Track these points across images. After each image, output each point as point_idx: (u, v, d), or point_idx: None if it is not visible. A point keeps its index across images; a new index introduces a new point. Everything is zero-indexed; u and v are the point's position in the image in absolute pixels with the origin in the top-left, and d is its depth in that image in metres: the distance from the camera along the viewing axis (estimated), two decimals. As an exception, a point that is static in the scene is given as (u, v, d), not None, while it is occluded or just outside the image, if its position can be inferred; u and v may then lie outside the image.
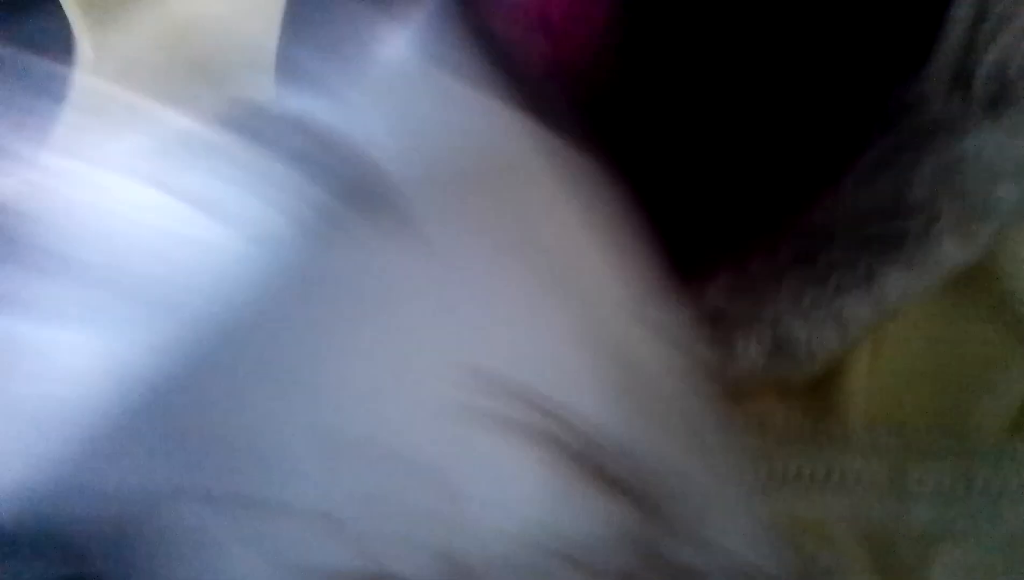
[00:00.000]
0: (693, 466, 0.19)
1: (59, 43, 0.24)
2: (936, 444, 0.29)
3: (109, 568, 0.16)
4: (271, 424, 0.16)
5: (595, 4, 0.26)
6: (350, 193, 0.17)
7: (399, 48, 0.19)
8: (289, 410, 0.17)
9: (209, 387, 0.17)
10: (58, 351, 0.17)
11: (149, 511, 0.16)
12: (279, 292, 0.17)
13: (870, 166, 0.29)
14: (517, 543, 0.16)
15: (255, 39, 0.21)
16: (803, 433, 0.31)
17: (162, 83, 0.22)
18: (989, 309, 0.29)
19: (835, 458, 0.31)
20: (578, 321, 0.18)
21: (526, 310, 0.18)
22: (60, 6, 0.25)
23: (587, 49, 0.26)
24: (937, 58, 0.28)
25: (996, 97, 0.28)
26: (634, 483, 0.17)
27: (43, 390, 0.17)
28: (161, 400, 0.17)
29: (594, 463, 0.17)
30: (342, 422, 0.16)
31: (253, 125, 0.18)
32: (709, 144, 0.28)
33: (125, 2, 0.24)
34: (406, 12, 0.19)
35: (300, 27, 0.22)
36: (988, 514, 0.27)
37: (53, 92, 0.22)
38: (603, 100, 0.25)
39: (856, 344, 0.31)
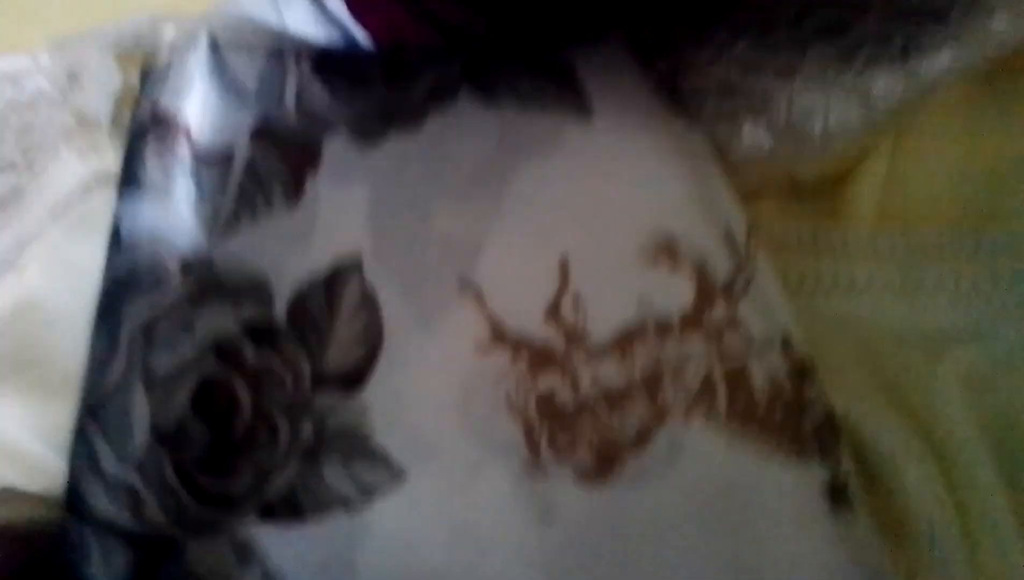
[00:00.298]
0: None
1: None
2: (956, 243, 0.26)
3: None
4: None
5: None
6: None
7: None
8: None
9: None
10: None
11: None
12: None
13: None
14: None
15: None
16: (803, 240, 0.28)
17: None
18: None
19: (841, 264, 0.27)
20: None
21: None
22: None
23: None
24: None
25: None
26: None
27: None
28: None
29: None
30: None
31: None
32: None
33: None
34: None
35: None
36: (1017, 313, 0.24)
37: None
38: None
39: (880, 131, 0.27)
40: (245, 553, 0.19)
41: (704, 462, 0.20)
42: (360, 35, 0.25)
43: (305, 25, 0.27)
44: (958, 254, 0.27)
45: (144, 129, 0.20)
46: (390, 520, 0.20)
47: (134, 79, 0.24)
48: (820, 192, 0.29)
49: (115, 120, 0.23)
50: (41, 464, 0.23)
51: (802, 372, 0.22)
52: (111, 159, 0.25)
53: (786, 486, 0.20)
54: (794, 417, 0.21)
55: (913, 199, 0.28)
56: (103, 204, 0.25)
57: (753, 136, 0.27)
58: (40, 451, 0.23)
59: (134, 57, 0.24)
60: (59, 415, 0.23)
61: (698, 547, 0.19)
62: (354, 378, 0.20)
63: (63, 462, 0.21)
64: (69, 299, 0.24)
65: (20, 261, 0.25)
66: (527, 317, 0.21)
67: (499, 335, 0.21)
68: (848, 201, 0.28)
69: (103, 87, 0.23)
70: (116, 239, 0.20)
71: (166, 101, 0.20)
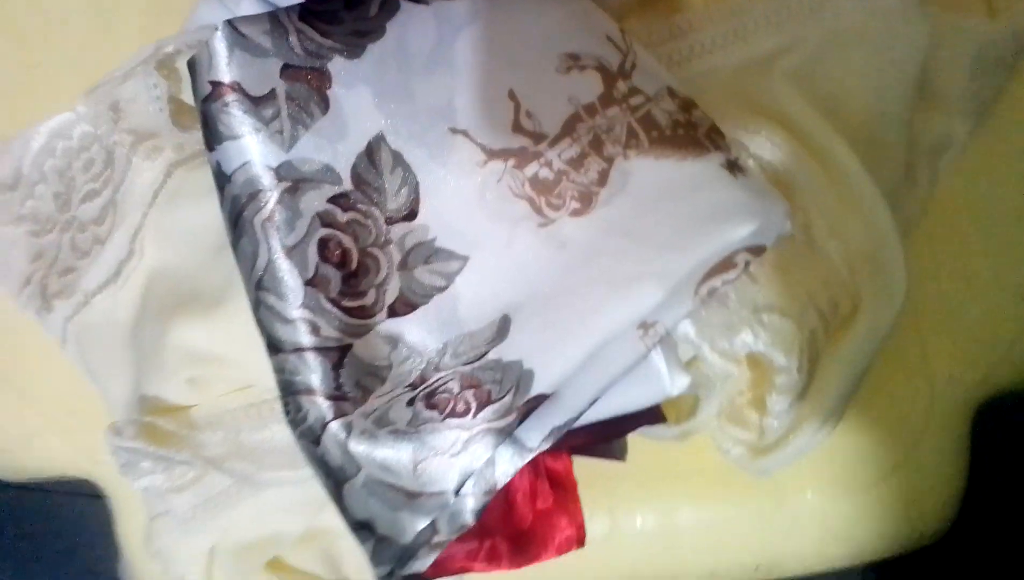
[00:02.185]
0: None
1: None
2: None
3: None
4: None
5: None
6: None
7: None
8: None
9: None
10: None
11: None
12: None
13: None
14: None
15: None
16: (656, 31, 0.38)
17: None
18: None
19: (689, 37, 0.37)
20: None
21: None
22: None
23: None
24: None
25: None
26: None
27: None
28: None
29: None
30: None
31: None
32: None
33: None
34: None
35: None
36: (811, 22, 0.35)
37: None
38: None
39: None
40: (389, 339, 0.29)
41: (644, 176, 0.30)
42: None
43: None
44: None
45: (207, 97, 0.29)
46: (470, 286, 0.30)
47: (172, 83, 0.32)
48: (660, 2, 0.39)
49: (173, 115, 0.32)
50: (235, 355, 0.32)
51: (687, 104, 0.32)
52: (171, 151, 0.34)
53: (698, 173, 0.30)
54: (691, 131, 0.31)
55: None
56: (181, 181, 0.34)
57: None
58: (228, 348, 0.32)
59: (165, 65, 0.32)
60: (223, 318, 0.33)
61: (654, 233, 0.30)
62: (410, 210, 0.30)
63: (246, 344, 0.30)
64: (186, 249, 0.33)
65: (136, 248, 0.34)
66: (502, 136, 0.31)
67: (488, 152, 0.31)
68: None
69: (152, 99, 0.32)
70: (220, 178, 0.29)
71: (214, 74, 0.29)
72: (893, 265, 0.33)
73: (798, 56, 0.36)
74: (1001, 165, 0.40)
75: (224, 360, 0.33)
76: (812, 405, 0.33)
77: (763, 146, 0.35)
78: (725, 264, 0.29)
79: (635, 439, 0.35)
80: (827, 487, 0.38)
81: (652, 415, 0.32)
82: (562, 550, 0.31)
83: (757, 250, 0.29)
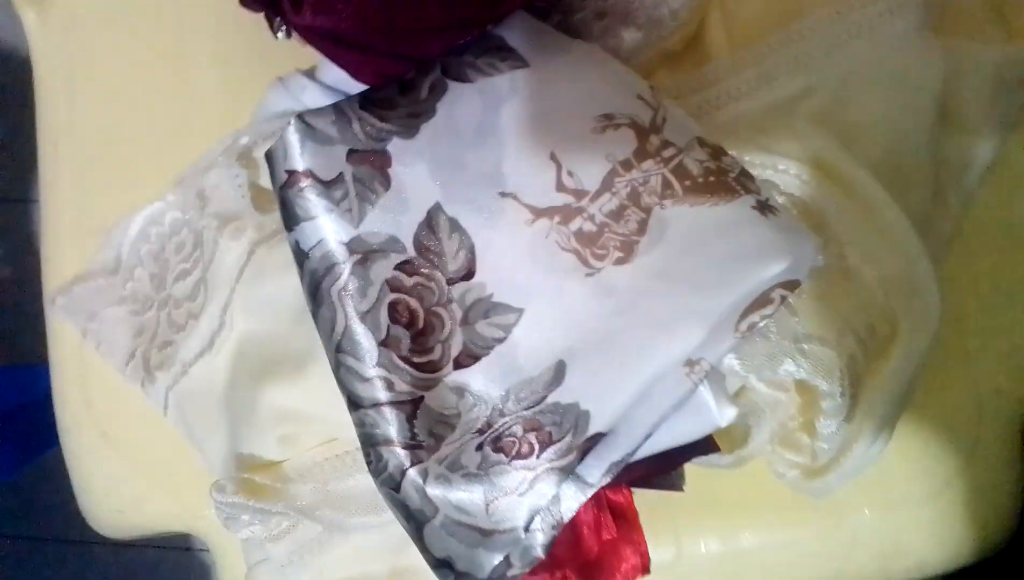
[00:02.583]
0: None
1: None
2: (782, 37, 0.39)
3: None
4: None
5: None
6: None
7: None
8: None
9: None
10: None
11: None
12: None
13: None
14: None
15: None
16: (685, 86, 0.41)
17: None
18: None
19: (716, 87, 0.40)
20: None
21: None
22: None
23: None
24: None
25: None
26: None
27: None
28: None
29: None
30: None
31: None
32: None
33: None
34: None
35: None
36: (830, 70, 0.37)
37: None
38: None
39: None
40: (456, 389, 0.32)
41: (680, 223, 0.33)
42: (360, 89, 0.38)
43: (317, 101, 0.40)
44: (786, 46, 0.40)
45: (284, 185, 0.33)
46: (526, 336, 0.32)
47: (251, 172, 0.36)
48: (687, 55, 0.42)
49: (253, 199, 0.36)
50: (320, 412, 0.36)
51: (716, 151, 0.35)
52: (253, 231, 0.38)
53: (730, 216, 0.33)
54: (722, 176, 0.34)
55: (742, 21, 0.41)
56: (263, 257, 0.37)
57: (631, 37, 0.40)
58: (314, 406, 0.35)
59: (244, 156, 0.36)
60: (307, 379, 0.36)
61: (693, 276, 0.32)
62: (468, 270, 0.33)
63: (329, 401, 0.33)
64: (271, 318, 0.37)
65: (227, 320, 0.37)
66: (547, 195, 0.34)
67: (535, 212, 0.34)
68: (705, 44, 0.41)
69: (234, 187, 0.36)
70: (299, 255, 0.32)
71: (289, 163, 0.32)
72: (926, 286, 0.35)
73: (819, 97, 0.38)
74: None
75: (310, 417, 0.37)
76: (860, 426, 0.35)
77: (792, 184, 0.37)
78: (762, 301, 0.31)
79: (693, 469, 0.37)
80: (884, 504, 0.40)
81: (705, 446, 0.34)
82: (628, 578, 0.33)
83: (791, 285, 0.32)
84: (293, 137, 0.33)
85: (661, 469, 0.34)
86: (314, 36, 0.34)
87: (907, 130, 0.37)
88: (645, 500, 0.36)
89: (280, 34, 0.34)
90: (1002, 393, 0.40)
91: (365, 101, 0.34)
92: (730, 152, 0.36)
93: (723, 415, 0.33)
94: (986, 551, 0.40)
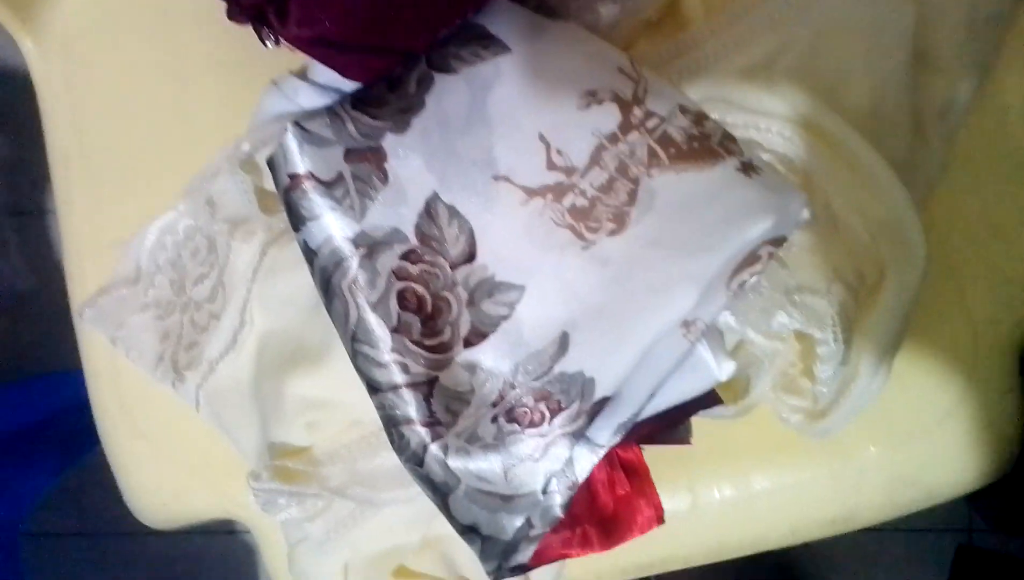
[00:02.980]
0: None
1: None
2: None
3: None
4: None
5: None
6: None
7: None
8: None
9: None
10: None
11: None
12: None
13: None
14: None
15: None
16: (664, 54, 0.42)
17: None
18: None
19: (694, 52, 0.41)
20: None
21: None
22: None
23: None
24: None
25: None
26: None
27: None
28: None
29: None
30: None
31: None
32: None
33: None
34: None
35: None
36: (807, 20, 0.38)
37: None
38: None
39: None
40: (468, 367, 0.34)
41: (668, 190, 0.34)
42: (352, 86, 0.39)
43: (311, 100, 0.41)
44: (759, 6, 0.40)
45: (288, 188, 0.34)
46: (530, 311, 0.34)
47: (255, 177, 0.38)
48: (664, 24, 0.43)
49: (260, 202, 0.38)
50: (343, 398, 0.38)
51: (699, 117, 0.36)
52: (263, 232, 0.40)
53: (716, 179, 0.34)
54: (705, 141, 0.35)
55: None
56: (275, 256, 0.39)
57: (608, 11, 0.41)
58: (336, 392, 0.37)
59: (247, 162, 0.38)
60: (327, 368, 0.38)
61: (684, 241, 0.33)
62: (469, 254, 0.35)
63: (350, 387, 0.35)
64: (288, 313, 0.39)
65: (246, 318, 0.39)
66: (538, 175, 0.35)
67: (529, 192, 0.35)
68: (681, 12, 0.42)
69: (240, 192, 0.38)
70: (308, 253, 0.34)
71: (291, 168, 0.34)
72: (911, 229, 0.36)
73: (795, 52, 0.39)
74: (1013, 114, 0.42)
75: (334, 403, 0.39)
76: (856, 368, 0.37)
77: (775, 141, 0.38)
78: (750, 259, 0.33)
79: (703, 421, 0.39)
80: (888, 439, 0.41)
81: (709, 399, 0.35)
82: (645, 529, 0.35)
83: (778, 241, 0.33)
84: (291, 143, 0.34)
85: (668, 425, 0.36)
86: (302, 43, 0.35)
87: (884, 76, 0.38)
88: (659, 455, 0.38)
89: (269, 43, 0.36)
90: (996, 322, 0.41)
91: (356, 101, 0.36)
92: (713, 115, 0.37)
93: (722, 370, 0.34)
94: (990, 476, 0.42)
